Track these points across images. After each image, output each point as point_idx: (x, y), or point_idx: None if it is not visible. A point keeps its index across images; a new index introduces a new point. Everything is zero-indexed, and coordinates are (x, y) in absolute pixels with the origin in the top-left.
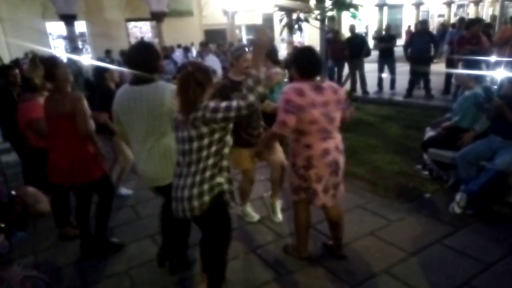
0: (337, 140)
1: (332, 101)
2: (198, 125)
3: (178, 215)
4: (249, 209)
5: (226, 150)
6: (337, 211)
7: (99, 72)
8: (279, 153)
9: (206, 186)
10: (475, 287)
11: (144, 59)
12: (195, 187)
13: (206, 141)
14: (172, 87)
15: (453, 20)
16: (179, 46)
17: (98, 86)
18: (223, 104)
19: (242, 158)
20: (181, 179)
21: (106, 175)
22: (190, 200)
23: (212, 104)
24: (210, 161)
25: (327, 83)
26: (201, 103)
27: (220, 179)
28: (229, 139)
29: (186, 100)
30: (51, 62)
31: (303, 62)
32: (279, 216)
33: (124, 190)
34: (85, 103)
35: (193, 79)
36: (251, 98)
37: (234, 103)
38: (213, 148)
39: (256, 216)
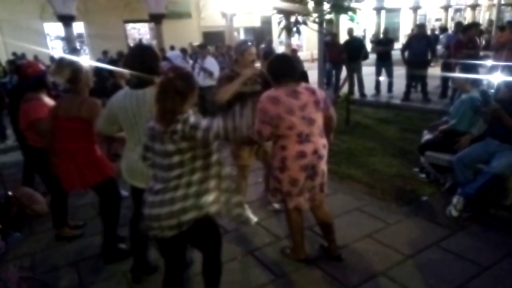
0: (317, 144)
1: (310, 103)
2: (176, 140)
3: (150, 235)
4: (248, 212)
5: (219, 171)
6: (323, 212)
7: (108, 71)
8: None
9: (190, 202)
10: None
11: (143, 61)
12: (176, 202)
13: (188, 155)
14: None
15: (450, 24)
16: (172, 48)
17: (101, 86)
18: (204, 123)
19: (241, 154)
20: (158, 195)
21: (112, 179)
22: (169, 218)
23: (192, 119)
24: (196, 176)
25: (303, 86)
26: (181, 114)
27: (208, 198)
28: (221, 160)
29: (163, 109)
30: (76, 67)
31: (276, 68)
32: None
33: (123, 192)
34: (101, 108)
35: (173, 87)
36: (239, 123)
37: (216, 124)
38: (199, 163)
39: (254, 219)
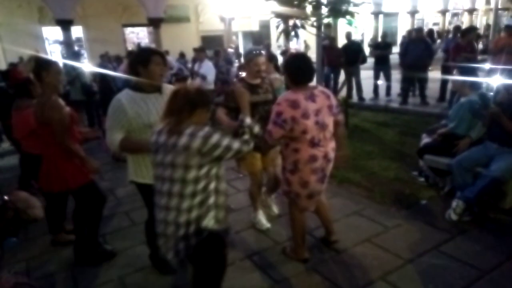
0: (327, 148)
1: (324, 107)
2: (189, 155)
3: (166, 255)
4: (260, 216)
5: (218, 186)
6: (321, 205)
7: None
8: (276, 166)
9: (192, 228)
10: None
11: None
12: (181, 228)
13: (192, 174)
14: (116, 96)
15: (447, 27)
16: (167, 52)
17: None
18: (225, 141)
19: (249, 161)
20: (163, 212)
21: (88, 185)
22: (178, 243)
23: (215, 137)
24: (197, 200)
25: (319, 89)
26: (187, 126)
27: (208, 222)
28: (221, 173)
29: (170, 111)
30: (41, 63)
31: (295, 69)
32: (274, 209)
33: None
34: (65, 113)
35: (185, 94)
36: (250, 144)
37: (236, 145)
38: (201, 185)
39: (266, 225)
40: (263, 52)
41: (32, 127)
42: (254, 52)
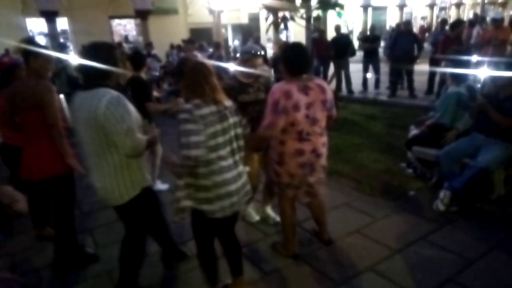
0: (317, 144)
1: (317, 101)
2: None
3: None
4: (250, 209)
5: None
6: (318, 203)
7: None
8: (256, 164)
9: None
10: (459, 283)
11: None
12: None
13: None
14: (111, 95)
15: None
16: (149, 45)
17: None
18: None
19: (248, 160)
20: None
21: (66, 176)
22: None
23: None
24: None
25: (316, 82)
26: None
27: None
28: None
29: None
30: (31, 49)
31: (292, 59)
32: (273, 216)
33: (159, 185)
34: (56, 95)
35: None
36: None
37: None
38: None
39: (255, 217)
40: (261, 53)
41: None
42: (252, 52)
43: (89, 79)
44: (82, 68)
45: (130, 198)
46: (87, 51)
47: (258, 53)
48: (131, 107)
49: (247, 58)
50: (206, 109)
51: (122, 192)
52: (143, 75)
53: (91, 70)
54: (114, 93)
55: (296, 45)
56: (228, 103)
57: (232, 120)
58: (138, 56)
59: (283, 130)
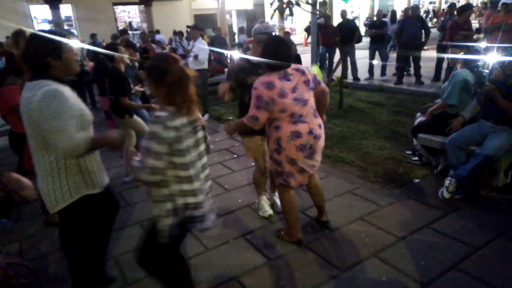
0: (312, 124)
1: (300, 83)
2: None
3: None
4: (263, 202)
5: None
6: (314, 182)
7: (108, 55)
8: (266, 156)
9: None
10: (463, 271)
11: (28, 50)
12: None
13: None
14: (48, 88)
15: (444, 6)
16: (158, 31)
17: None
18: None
19: (250, 146)
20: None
21: None
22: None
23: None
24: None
25: (292, 67)
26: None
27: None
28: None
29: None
30: (19, 33)
31: (271, 55)
32: (278, 203)
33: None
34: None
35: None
36: None
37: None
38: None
39: (269, 211)
40: (275, 33)
41: (12, 104)
42: (269, 31)
43: (32, 69)
44: (23, 58)
45: (66, 204)
46: (29, 40)
47: (273, 33)
48: (75, 102)
49: (262, 39)
50: (179, 120)
51: (58, 196)
52: (122, 67)
53: (32, 60)
54: (52, 86)
55: (276, 40)
56: (199, 115)
57: (200, 134)
58: (110, 48)
59: (275, 118)
